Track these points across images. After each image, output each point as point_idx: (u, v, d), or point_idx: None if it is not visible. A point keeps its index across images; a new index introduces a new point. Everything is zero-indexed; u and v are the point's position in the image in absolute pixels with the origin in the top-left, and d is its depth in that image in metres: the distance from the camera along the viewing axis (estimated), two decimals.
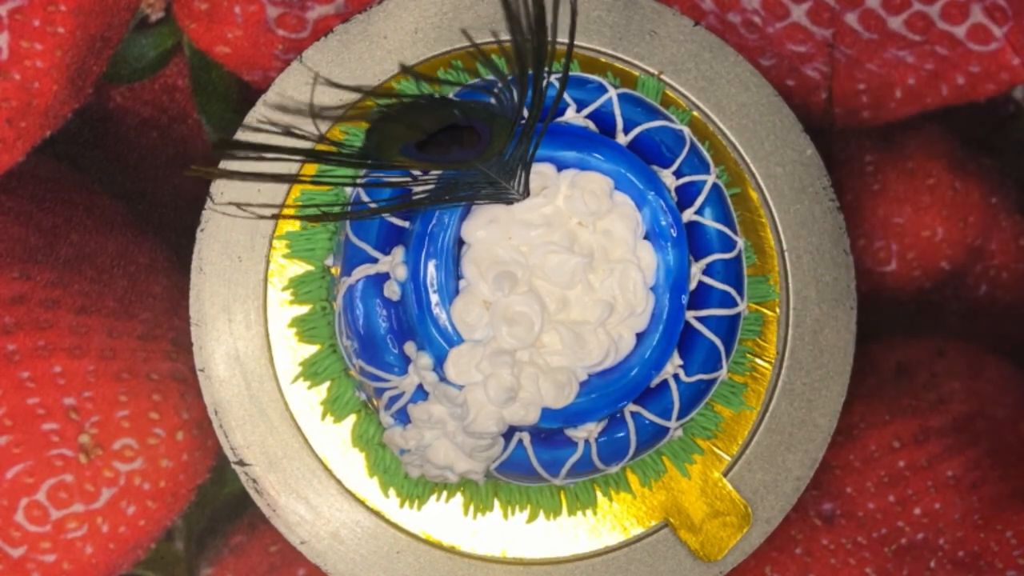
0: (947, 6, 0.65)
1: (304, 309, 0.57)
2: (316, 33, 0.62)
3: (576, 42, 0.60)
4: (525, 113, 0.43)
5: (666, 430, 0.53)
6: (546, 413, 0.50)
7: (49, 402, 0.60)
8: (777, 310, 0.59)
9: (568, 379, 0.49)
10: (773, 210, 0.59)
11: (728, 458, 0.59)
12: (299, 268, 0.57)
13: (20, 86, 0.61)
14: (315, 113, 0.39)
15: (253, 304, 0.57)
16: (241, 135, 0.55)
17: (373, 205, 0.50)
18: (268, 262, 0.58)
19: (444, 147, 0.43)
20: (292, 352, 0.57)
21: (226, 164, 0.55)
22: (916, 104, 0.66)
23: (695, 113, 0.59)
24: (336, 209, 0.54)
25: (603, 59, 0.59)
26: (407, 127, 0.42)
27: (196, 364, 0.57)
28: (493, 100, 0.42)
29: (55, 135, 0.61)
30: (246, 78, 0.62)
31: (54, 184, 0.61)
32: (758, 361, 0.59)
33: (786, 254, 0.60)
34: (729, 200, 0.54)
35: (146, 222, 0.62)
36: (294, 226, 0.57)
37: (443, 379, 0.49)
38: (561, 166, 0.50)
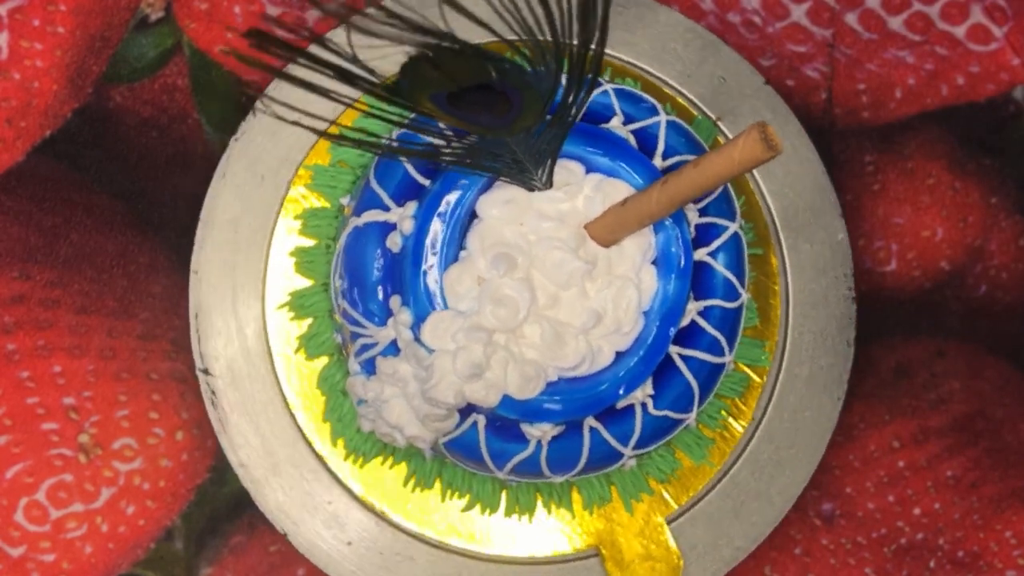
0: (947, 6, 0.65)
1: (310, 243, 0.57)
2: (316, 33, 0.62)
3: (645, 67, 0.60)
4: (558, 96, 0.42)
5: (619, 455, 0.52)
6: (506, 401, 0.49)
7: (49, 402, 0.60)
8: (765, 378, 0.59)
9: (537, 373, 0.48)
10: (790, 283, 0.59)
11: (676, 506, 0.58)
12: (317, 203, 0.57)
13: (20, 85, 0.61)
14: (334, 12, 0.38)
15: (261, 232, 0.58)
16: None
17: (397, 145, 0.49)
18: (288, 188, 0.57)
19: (474, 107, 0.43)
20: (287, 282, 0.58)
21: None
22: (916, 104, 0.66)
23: None
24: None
25: (667, 90, 0.59)
26: (441, 73, 0.41)
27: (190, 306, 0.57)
28: (529, 67, 0.41)
29: (55, 135, 0.61)
30: (246, 78, 0.62)
31: (54, 184, 0.61)
32: (732, 422, 0.59)
33: (789, 329, 0.59)
34: (746, 255, 0.53)
35: (146, 222, 0.62)
36: (323, 161, 0.57)
37: (417, 339, 0.49)
38: (590, 168, 0.49)
